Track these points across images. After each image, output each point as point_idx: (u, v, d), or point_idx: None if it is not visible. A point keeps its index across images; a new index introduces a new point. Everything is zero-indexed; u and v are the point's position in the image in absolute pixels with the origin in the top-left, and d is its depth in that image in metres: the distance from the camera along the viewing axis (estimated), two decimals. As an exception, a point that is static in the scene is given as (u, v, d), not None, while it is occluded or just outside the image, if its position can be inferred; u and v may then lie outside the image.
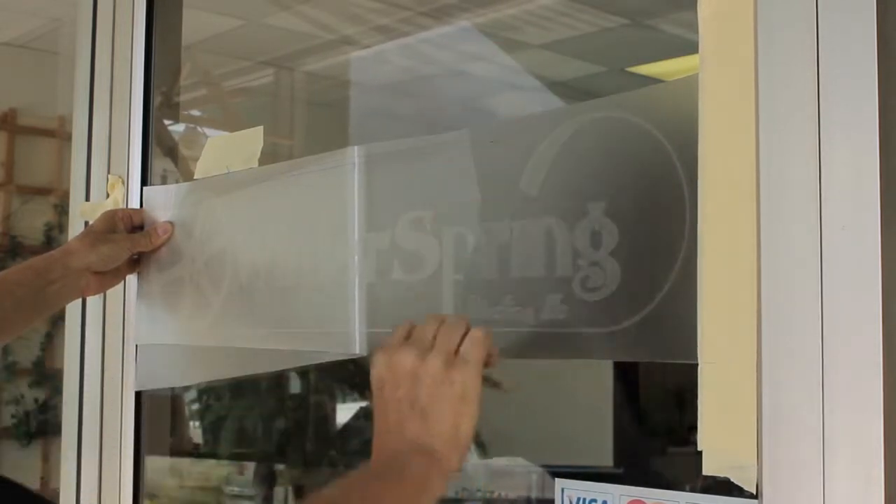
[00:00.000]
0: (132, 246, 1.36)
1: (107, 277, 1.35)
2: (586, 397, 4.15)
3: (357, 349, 1.12)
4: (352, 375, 3.83)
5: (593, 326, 0.94)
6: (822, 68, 0.78)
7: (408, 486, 0.85)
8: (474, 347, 0.90)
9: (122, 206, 1.49)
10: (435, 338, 0.91)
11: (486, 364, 0.91)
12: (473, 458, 4.03)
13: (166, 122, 1.69)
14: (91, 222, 1.42)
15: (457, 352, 0.90)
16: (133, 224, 1.41)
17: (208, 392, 3.52)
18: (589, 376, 4.18)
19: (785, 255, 0.79)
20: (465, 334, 0.91)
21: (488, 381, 0.92)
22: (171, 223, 1.39)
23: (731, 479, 0.82)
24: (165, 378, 1.50)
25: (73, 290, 1.30)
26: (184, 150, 1.72)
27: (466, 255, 1.05)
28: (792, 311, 0.79)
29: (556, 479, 0.99)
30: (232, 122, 2.97)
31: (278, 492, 3.43)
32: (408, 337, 0.92)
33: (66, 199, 1.72)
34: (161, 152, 1.61)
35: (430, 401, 0.88)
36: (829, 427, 0.76)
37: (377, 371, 0.91)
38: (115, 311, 1.50)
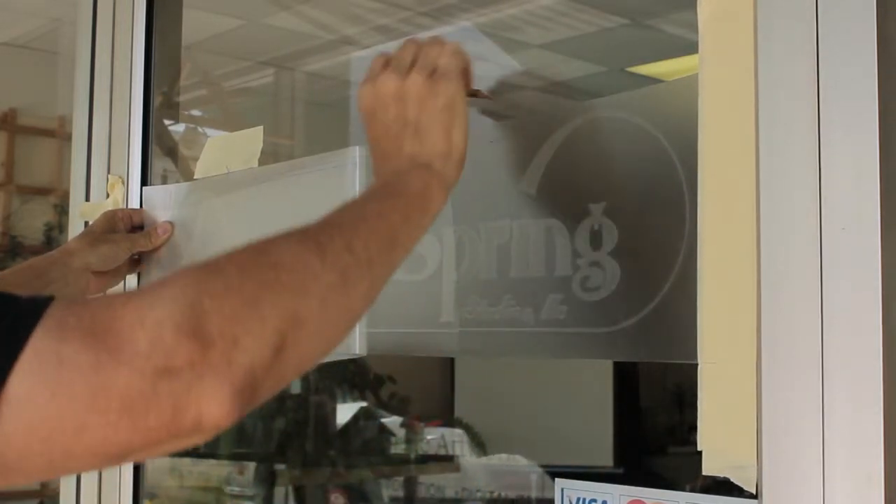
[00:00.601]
0: (132, 246, 1.36)
1: (107, 277, 1.35)
2: (586, 397, 4.15)
3: (357, 349, 1.12)
4: (352, 375, 3.83)
5: (593, 326, 0.94)
6: (822, 68, 0.78)
7: (408, 200, 0.85)
8: (452, 58, 0.91)
9: (122, 206, 1.49)
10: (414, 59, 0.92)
11: (464, 76, 0.92)
12: (473, 459, 4.03)
13: (166, 122, 1.69)
14: (91, 222, 1.42)
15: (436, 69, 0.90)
16: (133, 224, 1.41)
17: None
18: (589, 376, 4.18)
19: (785, 255, 0.79)
20: (443, 48, 0.92)
21: (470, 93, 0.94)
22: (170, 223, 1.39)
23: (731, 479, 0.82)
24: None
25: (72, 290, 1.30)
26: (184, 150, 1.72)
27: (466, 254, 1.05)
28: (792, 311, 0.79)
29: (556, 479, 0.99)
30: (232, 122, 2.98)
31: (278, 492, 3.43)
32: (387, 64, 0.93)
33: (66, 199, 1.72)
34: (161, 152, 1.61)
35: (419, 116, 0.89)
36: (829, 427, 0.76)
37: (363, 101, 0.92)
38: (115, 311, 1.49)
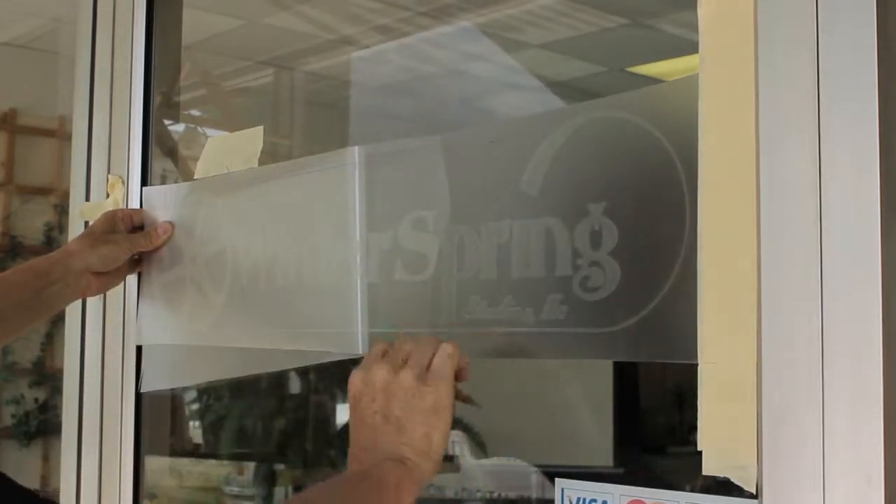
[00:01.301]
0: (132, 246, 1.36)
1: (107, 278, 1.35)
2: (586, 397, 4.15)
3: (360, 349, 1.12)
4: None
5: (593, 326, 0.94)
6: (822, 68, 0.78)
7: (381, 493, 0.88)
8: (445, 362, 0.94)
9: (122, 206, 1.49)
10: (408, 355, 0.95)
11: (458, 378, 0.95)
12: (473, 459, 4.03)
13: (166, 122, 1.69)
14: (91, 222, 1.42)
15: (429, 367, 0.93)
16: (133, 224, 1.41)
17: (208, 392, 3.52)
18: (589, 376, 4.18)
19: (785, 254, 0.79)
20: (438, 349, 0.95)
21: (458, 396, 0.96)
22: (171, 223, 1.39)
23: (731, 479, 0.82)
24: (171, 379, 1.50)
25: (73, 290, 1.30)
26: (184, 150, 1.72)
27: (467, 254, 1.05)
28: (792, 311, 0.79)
29: (556, 479, 0.99)
30: (232, 122, 2.98)
31: (278, 492, 3.43)
32: (383, 356, 0.96)
33: (66, 199, 1.72)
34: (161, 152, 1.61)
35: (404, 413, 0.92)
36: (829, 427, 0.76)
37: (353, 387, 0.95)
38: (115, 312, 1.50)
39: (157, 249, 1.40)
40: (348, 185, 1.15)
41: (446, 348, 0.94)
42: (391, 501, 0.88)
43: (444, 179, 1.08)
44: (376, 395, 0.93)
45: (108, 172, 1.53)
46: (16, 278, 1.27)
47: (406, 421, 0.91)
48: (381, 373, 0.93)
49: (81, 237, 1.34)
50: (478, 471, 4.02)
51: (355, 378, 0.95)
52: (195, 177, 1.41)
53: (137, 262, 1.42)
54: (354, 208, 1.15)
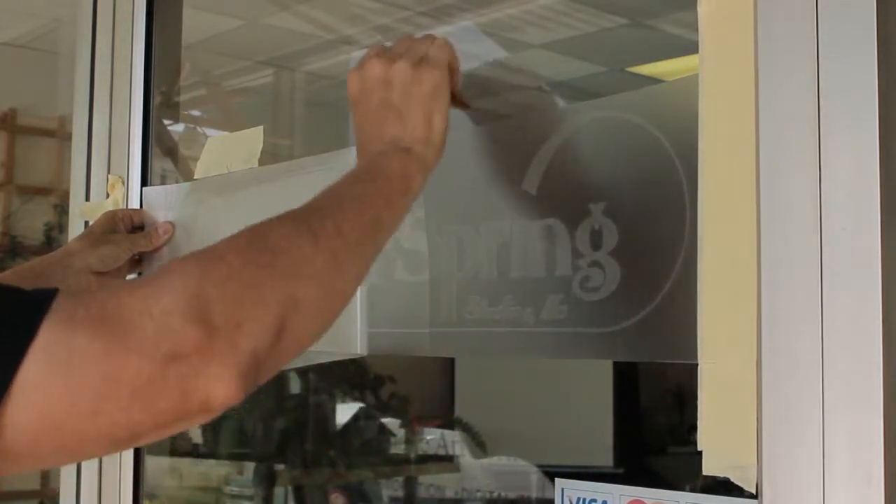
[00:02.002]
0: (132, 246, 1.36)
1: (107, 278, 1.34)
2: (586, 397, 4.15)
3: (358, 349, 1.12)
4: (352, 375, 3.83)
5: (593, 326, 0.94)
6: (822, 68, 0.78)
7: (390, 182, 0.88)
8: (439, 50, 0.94)
9: (122, 206, 1.49)
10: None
11: (451, 69, 0.95)
12: (473, 458, 4.04)
13: (166, 122, 1.69)
14: (91, 222, 1.42)
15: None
16: (133, 224, 1.41)
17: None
18: (589, 376, 4.18)
19: (785, 255, 0.79)
20: (432, 41, 0.95)
21: (453, 98, 0.96)
22: (171, 223, 1.39)
23: (731, 479, 0.82)
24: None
25: (73, 291, 1.30)
26: (184, 150, 1.72)
27: (467, 254, 1.05)
28: (792, 311, 0.79)
29: (556, 479, 1.00)
30: (232, 122, 2.97)
31: (278, 492, 3.43)
32: (380, 53, 0.96)
33: (66, 199, 1.72)
34: (161, 152, 1.61)
35: (403, 100, 0.92)
36: (829, 427, 0.76)
37: (351, 86, 0.95)
38: (115, 311, 1.49)
39: (157, 250, 1.40)
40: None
41: (440, 40, 0.95)
42: (399, 189, 0.88)
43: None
44: (374, 87, 0.93)
45: (108, 172, 1.53)
46: (16, 278, 1.27)
47: (405, 108, 0.91)
48: (376, 66, 0.93)
49: (81, 237, 1.34)
50: (478, 471, 4.02)
51: (352, 76, 0.95)
52: (195, 177, 1.41)
53: (137, 263, 1.42)
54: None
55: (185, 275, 0.69)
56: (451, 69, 0.95)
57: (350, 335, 1.14)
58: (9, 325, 0.63)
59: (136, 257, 1.41)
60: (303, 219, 0.81)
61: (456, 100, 0.98)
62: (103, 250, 1.31)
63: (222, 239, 0.76)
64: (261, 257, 0.74)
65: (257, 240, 0.76)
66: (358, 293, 1.14)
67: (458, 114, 1.01)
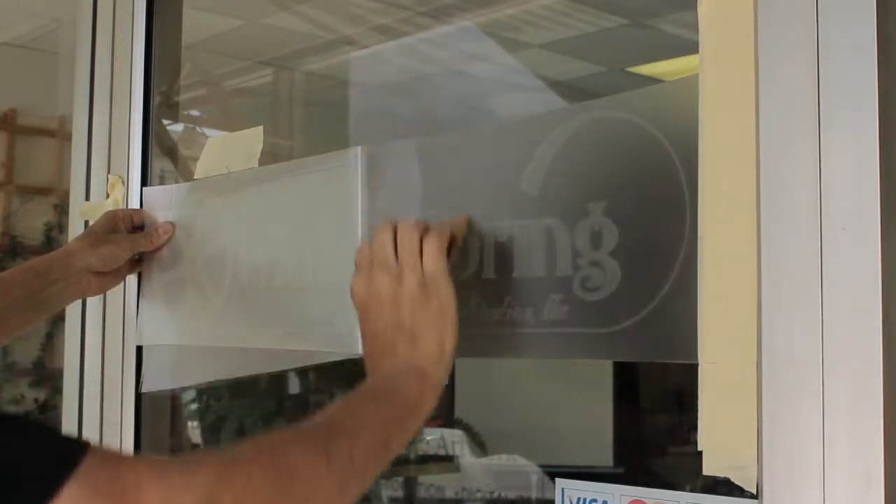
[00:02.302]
0: (132, 246, 1.36)
1: (107, 278, 1.34)
2: (586, 397, 4.15)
3: (360, 349, 1.12)
4: (352, 375, 3.83)
5: (593, 326, 0.94)
6: (822, 68, 0.78)
7: (402, 405, 0.91)
8: (438, 262, 0.95)
9: (122, 206, 1.48)
10: (396, 251, 0.97)
11: (449, 251, 0.97)
12: (473, 458, 4.03)
13: (166, 122, 1.69)
14: (91, 222, 1.42)
15: (422, 258, 0.95)
16: (134, 224, 1.41)
17: (208, 392, 3.52)
18: (589, 376, 4.18)
19: (785, 255, 0.79)
20: (425, 240, 0.96)
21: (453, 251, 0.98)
22: (171, 223, 1.39)
23: (731, 479, 0.82)
24: (172, 379, 1.50)
25: (73, 290, 1.30)
26: (184, 150, 1.72)
27: (467, 255, 1.05)
28: (792, 311, 0.79)
29: (556, 479, 0.99)
30: (232, 122, 2.97)
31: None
32: (372, 257, 0.98)
33: (66, 199, 1.72)
34: (161, 152, 1.61)
35: (414, 322, 0.94)
36: (829, 427, 0.76)
37: (358, 296, 0.97)
38: (115, 312, 1.50)
39: (157, 250, 1.40)
40: (350, 186, 1.15)
41: (433, 248, 0.95)
42: (413, 412, 0.91)
43: (449, 178, 1.08)
44: (383, 305, 0.95)
45: (108, 172, 1.53)
46: (16, 278, 1.27)
47: (417, 329, 0.93)
48: (384, 283, 0.95)
49: (82, 237, 1.34)
50: (478, 471, 4.02)
51: (359, 286, 0.97)
52: (195, 177, 1.41)
53: (138, 263, 1.42)
54: (356, 208, 1.15)
55: (209, 476, 0.72)
56: (450, 244, 0.97)
57: (350, 335, 1.14)
58: (34, 478, 0.65)
59: (137, 257, 1.41)
60: (321, 439, 0.84)
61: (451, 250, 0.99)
62: (103, 250, 1.31)
63: (248, 441, 0.81)
64: (280, 478, 0.77)
65: (279, 457, 0.79)
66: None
67: (457, 113, 1.01)
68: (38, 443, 0.68)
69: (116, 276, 1.37)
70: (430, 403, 0.92)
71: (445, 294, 0.94)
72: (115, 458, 0.73)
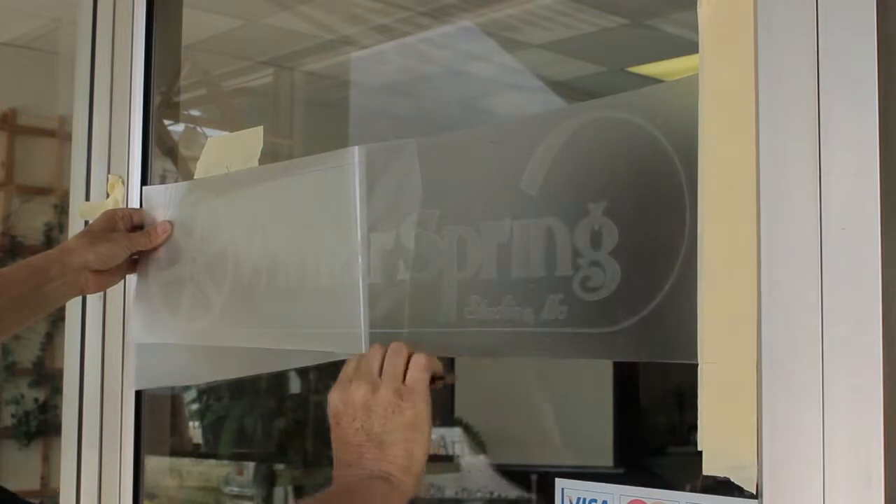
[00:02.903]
0: (131, 245, 1.36)
1: (106, 276, 1.34)
2: (586, 397, 4.15)
3: (363, 348, 1.12)
4: (352, 375, 3.83)
5: (593, 326, 0.94)
6: (822, 68, 0.78)
7: (370, 500, 0.91)
8: (419, 374, 0.97)
9: (122, 205, 1.49)
10: (382, 367, 0.98)
11: (434, 384, 0.98)
12: (473, 458, 4.03)
13: (166, 122, 1.69)
14: (91, 222, 1.42)
15: (405, 379, 0.97)
16: (133, 223, 1.40)
17: (208, 392, 3.52)
18: (589, 376, 4.18)
19: (785, 255, 0.79)
20: (409, 360, 0.98)
21: (434, 382, 0.99)
22: (170, 222, 1.39)
23: (731, 479, 0.82)
24: (166, 378, 1.50)
25: (71, 288, 1.30)
26: (184, 150, 1.72)
27: (467, 254, 1.05)
28: (792, 311, 0.79)
29: (556, 479, 0.99)
30: (232, 122, 2.98)
31: (278, 492, 3.43)
32: (356, 371, 0.99)
33: (66, 199, 1.72)
34: (161, 152, 1.61)
35: (384, 430, 0.94)
36: (829, 427, 0.76)
37: (333, 407, 0.98)
38: (115, 311, 1.50)
39: (156, 249, 1.40)
40: (349, 185, 1.15)
41: (419, 361, 0.97)
42: None
43: (452, 178, 1.08)
44: (357, 412, 0.96)
45: (108, 172, 1.53)
46: (13, 275, 1.27)
47: (387, 437, 0.94)
48: (360, 391, 0.96)
49: (80, 235, 1.34)
50: (478, 471, 4.02)
51: (334, 397, 0.98)
52: (195, 177, 1.41)
53: (136, 262, 1.42)
54: (355, 208, 1.15)
55: None
56: (432, 383, 0.98)
57: (352, 335, 1.14)
58: None
59: (135, 256, 1.40)
60: None
61: (434, 382, 1.00)
62: (101, 248, 1.31)
63: None
64: None
65: None
66: (360, 293, 1.14)
67: (457, 113, 1.01)
68: None
69: (115, 274, 1.37)
70: None
71: (421, 405, 0.95)
72: None
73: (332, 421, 0.98)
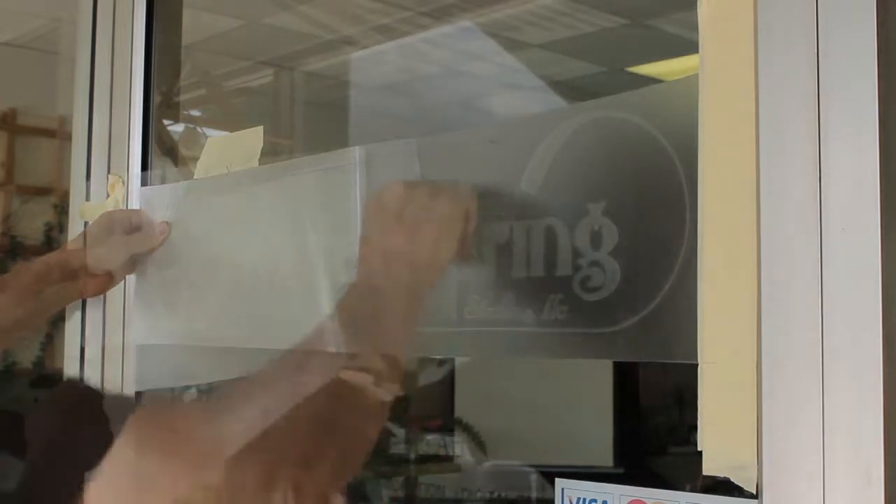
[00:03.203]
0: (129, 248, 1.36)
1: (105, 279, 1.35)
2: (586, 397, 4.15)
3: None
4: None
5: (593, 326, 0.94)
6: (822, 68, 0.78)
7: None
8: (457, 199, 0.98)
9: (122, 206, 1.49)
10: None
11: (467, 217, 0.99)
12: (473, 458, 4.03)
13: (166, 122, 1.69)
14: (90, 223, 1.42)
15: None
16: (132, 225, 1.40)
17: (208, 392, 3.51)
18: (589, 376, 4.18)
19: (785, 255, 0.79)
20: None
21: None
22: (168, 223, 1.39)
23: (731, 479, 0.82)
24: (165, 378, 1.50)
25: (70, 292, 1.31)
26: (184, 150, 1.72)
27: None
28: (792, 312, 0.79)
29: (556, 479, 0.99)
30: (232, 122, 2.98)
31: (278, 492, 3.42)
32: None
33: (66, 199, 1.72)
34: (161, 152, 1.61)
35: (416, 221, 0.95)
36: (829, 427, 0.76)
37: (373, 195, 1.00)
38: (115, 311, 1.50)
39: (154, 250, 1.40)
40: (350, 185, 1.15)
41: (462, 192, 0.99)
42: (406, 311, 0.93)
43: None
44: (392, 201, 0.96)
45: (108, 172, 1.53)
46: (13, 281, 1.27)
47: (417, 228, 0.94)
48: (397, 186, 0.97)
49: (78, 238, 1.34)
50: (478, 471, 4.02)
51: (395, 187, 0.98)
52: (195, 177, 1.41)
53: (135, 263, 1.42)
54: (356, 208, 1.15)
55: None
56: (467, 217, 0.99)
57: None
58: None
59: (134, 258, 1.40)
60: None
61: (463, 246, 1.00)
62: (99, 252, 1.32)
63: None
64: None
65: None
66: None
67: (457, 113, 1.02)
68: None
69: (114, 277, 1.37)
70: (416, 311, 0.94)
71: (456, 213, 0.96)
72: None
73: (369, 208, 1.00)
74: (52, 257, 1.31)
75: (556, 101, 3.88)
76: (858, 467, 0.75)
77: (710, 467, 0.83)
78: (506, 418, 4.13)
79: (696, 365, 0.84)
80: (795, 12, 0.80)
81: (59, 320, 1.99)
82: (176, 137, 1.76)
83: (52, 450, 0.95)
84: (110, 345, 1.49)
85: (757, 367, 0.80)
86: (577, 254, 0.96)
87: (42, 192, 3.95)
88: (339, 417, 0.85)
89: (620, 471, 4.01)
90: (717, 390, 0.83)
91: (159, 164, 1.57)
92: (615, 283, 0.93)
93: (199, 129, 2.27)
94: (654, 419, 4.67)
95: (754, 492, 0.80)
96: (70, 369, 1.56)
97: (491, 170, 1.04)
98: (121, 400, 0.92)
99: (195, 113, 2.82)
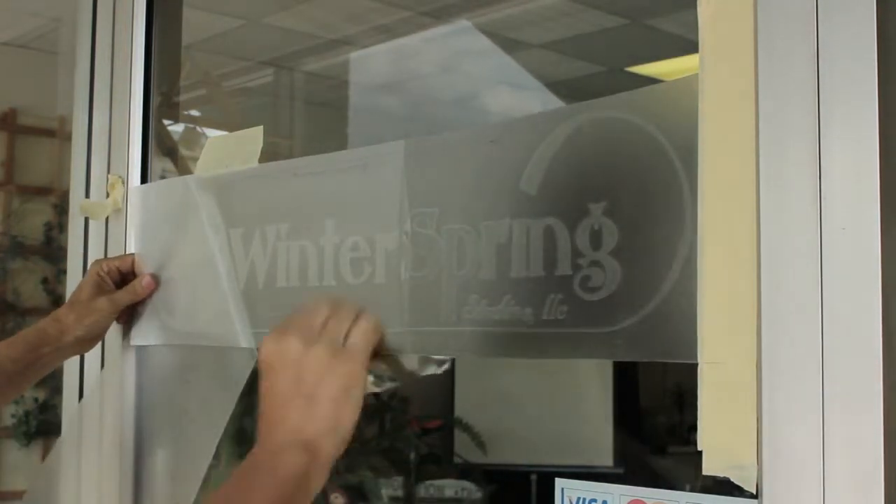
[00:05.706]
0: (115, 308, 1.40)
1: (96, 335, 1.43)
2: (586, 397, 4.15)
3: None
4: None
5: (593, 326, 0.94)
6: (822, 68, 0.78)
7: (288, 481, 0.87)
8: (361, 337, 0.93)
9: (122, 206, 1.49)
10: (325, 325, 0.94)
11: (374, 355, 0.95)
12: (472, 458, 4.04)
13: (166, 121, 1.69)
14: (91, 221, 1.42)
15: (345, 341, 0.93)
16: (121, 274, 1.42)
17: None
18: (589, 376, 4.19)
19: (785, 255, 0.79)
20: (356, 322, 0.94)
21: (377, 375, 0.97)
22: (154, 276, 1.41)
23: (731, 479, 0.82)
24: (165, 378, 1.50)
25: (65, 355, 1.44)
26: (184, 150, 1.72)
27: (467, 254, 1.05)
28: (792, 312, 0.78)
29: (556, 479, 0.99)
30: (232, 122, 2.98)
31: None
32: (296, 323, 0.95)
33: (66, 199, 1.72)
34: (161, 152, 1.61)
35: (314, 389, 0.90)
36: (829, 427, 0.76)
37: (264, 356, 0.94)
38: (115, 311, 1.49)
39: (140, 303, 1.42)
40: (350, 186, 1.15)
41: (364, 324, 0.94)
42: (301, 490, 0.87)
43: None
44: (287, 367, 0.92)
45: (108, 172, 1.53)
46: (9, 353, 1.34)
47: (316, 397, 0.90)
48: (293, 344, 0.92)
49: (70, 307, 1.38)
50: (477, 470, 4.02)
51: (267, 347, 0.94)
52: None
53: (124, 311, 1.44)
54: (355, 209, 1.15)
55: None
56: (374, 353, 0.95)
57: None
58: None
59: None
60: None
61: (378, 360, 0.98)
62: (90, 322, 1.37)
63: None
64: None
65: None
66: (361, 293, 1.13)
67: (457, 113, 1.01)
68: None
69: (105, 328, 1.42)
70: (317, 480, 0.89)
71: (357, 368, 0.92)
72: None
73: (261, 372, 0.94)
74: (45, 327, 1.36)
75: (556, 101, 3.89)
76: (858, 467, 0.75)
77: (710, 467, 0.83)
78: (506, 418, 4.13)
79: (696, 365, 0.84)
80: (795, 12, 0.80)
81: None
82: (176, 137, 1.76)
83: None
84: (110, 345, 1.50)
85: (757, 367, 0.80)
86: (577, 254, 0.95)
87: (42, 191, 3.95)
88: None
89: (620, 471, 4.01)
90: (717, 390, 0.83)
91: (159, 164, 1.57)
92: (615, 283, 0.92)
93: (199, 129, 2.27)
94: (654, 419, 4.68)
95: (754, 492, 0.80)
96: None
97: (490, 169, 1.04)
98: None
99: (195, 113, 2.82)
